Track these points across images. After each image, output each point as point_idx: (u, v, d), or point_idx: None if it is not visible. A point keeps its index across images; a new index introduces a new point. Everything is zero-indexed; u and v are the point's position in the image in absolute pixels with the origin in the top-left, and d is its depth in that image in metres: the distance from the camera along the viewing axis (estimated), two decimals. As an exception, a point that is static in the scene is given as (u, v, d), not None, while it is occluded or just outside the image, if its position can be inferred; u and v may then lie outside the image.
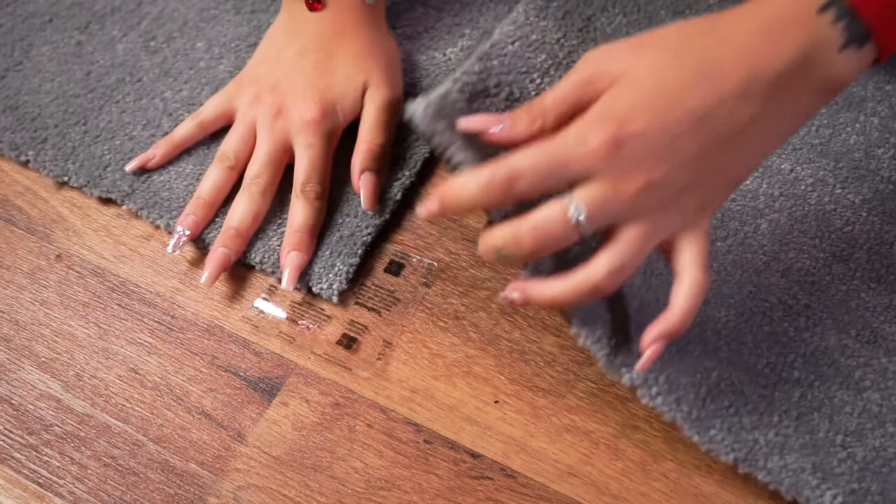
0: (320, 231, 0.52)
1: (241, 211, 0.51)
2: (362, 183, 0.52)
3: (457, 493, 0.45)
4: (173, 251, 0.50)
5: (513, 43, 0.58)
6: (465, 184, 0.38)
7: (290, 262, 0.49)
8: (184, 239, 0.51)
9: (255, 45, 0.61)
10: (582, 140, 0.37)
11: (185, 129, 0.55)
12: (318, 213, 0.51)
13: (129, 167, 0.54)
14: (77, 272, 0.52)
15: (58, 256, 0.53)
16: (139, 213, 0.54)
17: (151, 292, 0.51)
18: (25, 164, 0.56)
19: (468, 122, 0.40)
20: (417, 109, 0.41)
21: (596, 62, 0.39)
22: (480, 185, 0.37)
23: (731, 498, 0.44)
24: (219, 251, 0.50)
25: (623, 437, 0.46)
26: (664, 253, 0.41)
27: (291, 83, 0.53)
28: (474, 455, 0.46)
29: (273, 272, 0.51)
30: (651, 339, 0.40)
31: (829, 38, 0.36)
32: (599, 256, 0.38)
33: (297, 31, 0.55)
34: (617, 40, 0.39)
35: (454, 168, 0.42)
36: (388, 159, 0.54)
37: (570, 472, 0.45)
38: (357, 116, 0.54)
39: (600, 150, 0.36)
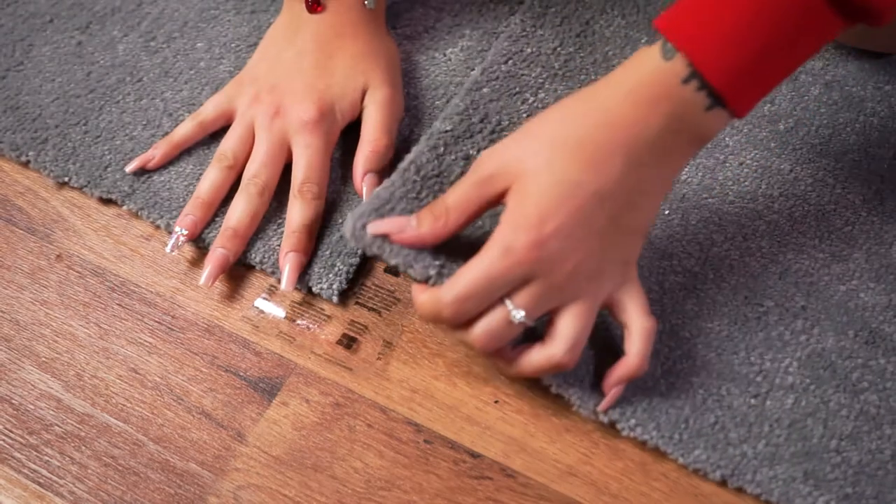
0: (320, 231, 0.52)
1: (240, 211, 0.51)
2: (365, 184, 0.52)
3: (457, 493, 0.45)
4: (171, 251, 0.51)
5: (506, 62, 0.59)
6: (423, 313, 0.43)
7: (289, 262, 0.49)
8: (182, 239, 0.51)
9: (255, 45, 0.61)
10: (506, 251, 0.41)
11: (185, 129, 0.55)
12: (316, 213, 0.51)
13: (129, 168, 0.54)
14: (77, 272, 0.52)
15: (58, 256, 0.53)
16: (139, 214, 0.54)
17: (151, 292, 0.51)
18: (26, 164, 0.56)
19: (376, 227, 0.44)
20: (346, 228, 0.45)
21: (492, 162, 0.43)
22: (434, 313, 0.43)
23: (731, 498, 0.44)
24: (217, 252, 0.50)
25: (623, 436, 0.46)
26: (610, 312, 0.45)
27: (290, 83, 0.53)
28: (474, 455, 0.46)
29: (273, 272, 0.51)
30: (612, 383, 0.45)
31: (695, 102, 0.40)
32: (554, 338, 0.43)
33: (297, 32, 0.55)
34: (506, 137, 0.44)
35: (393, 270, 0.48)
36: (390, 160, 0.54)
37: (570, 472, 0.45)
38: (356, 117, 0.55)
39: (527, 256, 0.41)
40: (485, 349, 0.43)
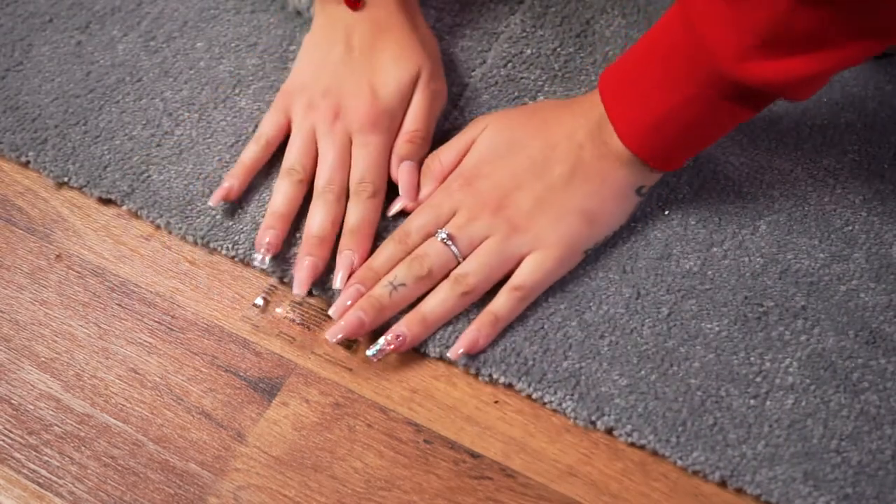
0: None
1: (321, 218, 0.50)
2: (401, 172, 0.52)
3: (457, 493, 0.45)
4: (261, 265, 0.50)
5: (506, 65, 0.59)
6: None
7: (342, 262, 0.49)
8: (271, 252, 0.50)
9: (254, 44, 0.61)
10: (446, 188, 0.51)
11: (252, 152, 0.53)
12: (373, 212, 0.51)
13: (213, 201, 0.52)
14: (77, 272, 0.52)
15: (58, 256, 0.53)
16: (139, 213, 0.54)
17: (151, 292, 0.51)
18: (26, 164, 0.56)
19: (398, 203, 0.52)
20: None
21: (476, 124, 0.53)
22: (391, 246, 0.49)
23: (731, 497, 0.44)
24: (307, 260, 0.49)
25: (622, 437, 0.46)
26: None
27: (342, 84, 0.53)
28: (474, 455, 0.46)
29: (273, 272, 0.51)
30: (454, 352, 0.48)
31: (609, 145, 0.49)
32: (465, 265, 0.48)
33: (338, 31, 0.54)
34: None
35: None
36: (428, 149, 0.54)
37: (570, 472, 0.45)
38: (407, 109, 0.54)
39: (458, 190, 0.50)
40: (422, 268, 0.48)
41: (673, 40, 0.44)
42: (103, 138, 0.57)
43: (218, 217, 0.53)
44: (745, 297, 0.50)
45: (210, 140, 0.56)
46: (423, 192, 0.52)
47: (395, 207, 0.52)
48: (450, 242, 0.48)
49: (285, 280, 0.51)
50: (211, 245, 0.52)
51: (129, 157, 0.56)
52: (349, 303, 0.48)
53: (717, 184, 0.54)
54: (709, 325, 0.49)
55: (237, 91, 0.59)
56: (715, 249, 0.52)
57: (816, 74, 0.41)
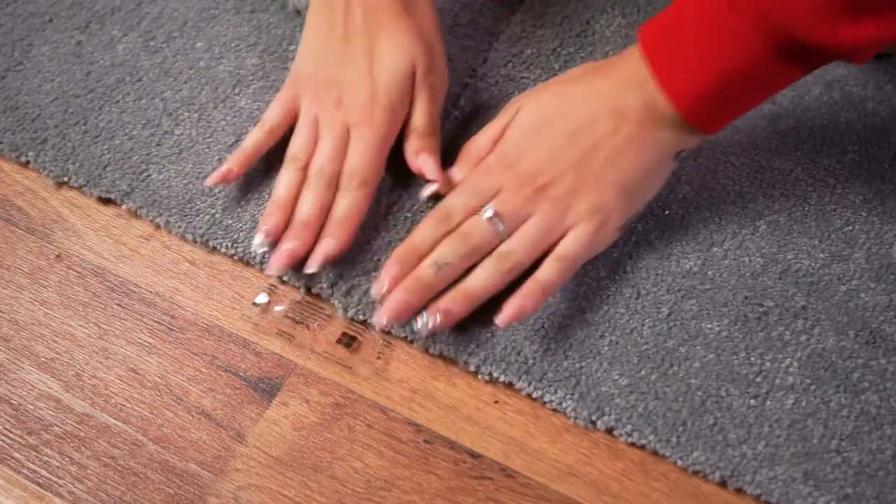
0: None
1: (309, 204, 0.50)
2: (422, 162, 0.52)
3: (457, 493, 0.45)
4: (259, 250, 0.50)
5: (506, 65, 0.59)
6: (417, 234, 0.50)
7: (320, 248, 0.49)
8: (271, 238, 0.50)
9: (254, 44, 0.61)
10: (484, 169, 0.51)
11: (255, 138, 0.53)
12: (360, 203, 0.51)
13: (209, 182, 0.52)
14: (77, 272, 0.52)
15: (58, 256, 0.53)
16: (139, 212, 0.54)
17: (151, 292, 0.51)
18: (26, 164, 0.56)
19: (433, 186, 0.52)
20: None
21: (509, 108, 0.52)
22: (431, 228, 0.49)
23: (731, 498, 0.44)
24: (286, 244, 0.49)
25: (622, 437, 0.46)
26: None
27: (343, 76, 0.53)
28: (474, 455, 0.46)
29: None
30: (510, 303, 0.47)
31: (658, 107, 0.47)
32: (510, 242, 0.48)
33: (336, 17, 0.53)
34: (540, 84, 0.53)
35: None
36: (439, 140, 0.54)
37: (570, 472, 0.45)
38: (410, 101, 0.54)
39: (497, 171, 0.50)
40: (467, 247, 0.48)
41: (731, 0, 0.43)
42: (103, 138, 0.57)
43: (217, 216, 0.53)
44: (746, 297, 0.50)
45: (210, 140, 0.56)
46: (459, 175, 0.52)
47: (429, 190, 0.52)
48: (496, 220, 0.48)
49: (285, 279, 0.51)
50: (210, 244, 0.52)
51: (129, 156, 0.56)
52: (389, 283, 0.48)
53: (717, 184, 0.54)
54: (709, 325, 0.49)
55: (237, 91, 0.59)
56: (715, 249, 0.52)
57: (891, 37, 0.40)
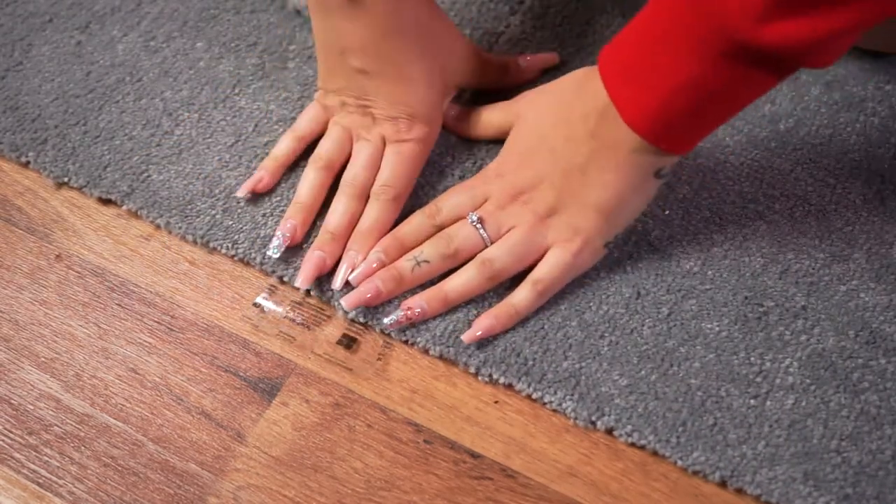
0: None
1: (339, 214, 0.51)
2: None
3: (457, 494, 0.45)
4: (275, 255, 0.50)
5: None
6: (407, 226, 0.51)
7: (345, 262, 0.50)
8: (286, 244, 0.50)
9: (254, 44, 0.61)
10: (483, 176, 0.52)
11: (285, 145, 0.54)
12: (389, 215, 0.51)
13: (241, 192, 0.52)
14: (77, 272, 0.52)
15: (58, 256, 0.53)
16: (139, 213, 0.54)
17: (151, 292, 0.51)
18: (26, 164, 0.56)
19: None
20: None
21: (511, 108, 0.54)
22: (419, 221, 0.51)
23: (731, 498, 0.44)
24: (315, 254, 0.49)
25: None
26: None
27: (378, 93, 0.52)
28: (474, 455, 0.46)
29: (273, 271, 0.51)
30: (481, 320, 0.48)
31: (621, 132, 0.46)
32: (491, 250, 0.49)
33: (343, 33, 0.51)
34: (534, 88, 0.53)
35: None
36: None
37: (570, 472, 0.45)
38: (441, 107, 0.54)
39: (492, 179, 0.51)
40: (449, 248, 0.49)
41: (674, 12, 0.41)
42: (103, 138, 0.57)
43: (217, 216, 0.53)
44: (746, 297, 0.50)
45: (210, 140, 0.56)
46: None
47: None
48: (479, 226, 0.49)
49: (285, 279, 0.51)
50: (210, 244, 0.52)
51: (129, 157, 0.56)
52: (368, 270, 0.49)
53: (717, 184, 0.54)
54: (709, 325, 0.49)
55: (237, 91, 0.59)
56: (715, 249, 0.52)
57: (839, 32, 0.38)
